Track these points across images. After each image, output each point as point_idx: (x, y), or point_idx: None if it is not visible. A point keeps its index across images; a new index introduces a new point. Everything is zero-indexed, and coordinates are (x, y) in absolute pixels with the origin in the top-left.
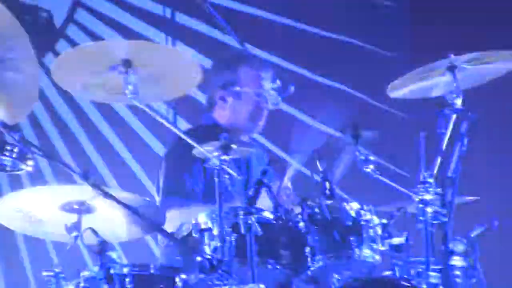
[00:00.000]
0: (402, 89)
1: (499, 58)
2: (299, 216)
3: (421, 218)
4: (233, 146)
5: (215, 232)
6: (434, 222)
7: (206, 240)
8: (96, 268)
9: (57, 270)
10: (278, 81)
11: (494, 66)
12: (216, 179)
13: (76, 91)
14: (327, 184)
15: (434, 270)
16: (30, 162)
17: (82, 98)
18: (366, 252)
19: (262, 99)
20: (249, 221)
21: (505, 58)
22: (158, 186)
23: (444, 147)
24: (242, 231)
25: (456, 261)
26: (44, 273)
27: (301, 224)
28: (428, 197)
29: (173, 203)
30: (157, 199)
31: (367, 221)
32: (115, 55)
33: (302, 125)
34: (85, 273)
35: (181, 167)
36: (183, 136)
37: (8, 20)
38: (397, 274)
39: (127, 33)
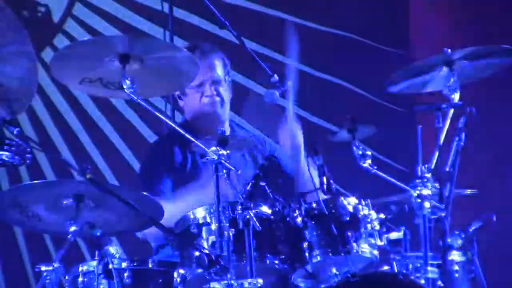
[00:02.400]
0: (400, 83)
1: (496, 53)
2: (297, 211)
3: (419, 212)
4: (230, 140)
5: (213, 227)
6: (432, 216)
7: (204, 235)
8: (94, 263)
9: (55, 264)
10: (275, 76)
11: (491, 60)
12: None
13: (74, 86)
14: (324, 179)
15: (432, 265)
16: (28, 157)
17: (80, 92)
18: (364, 247)
19: (203, 87)
20: (247, 216)
21: (502, 54)
22: None
23: (441, 141)
24: (240, 226)
25: (454, 256)
26: (43, 268)
27: (299, 219)
28: (425, 191)
29: None
30: None
31: (365, 215)
32: (113, 49)
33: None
34: (84, 268)
35: (150, 174)
36: (180, 130)
37: (6, 15)
38: (395, 269)
39: (125, 27)
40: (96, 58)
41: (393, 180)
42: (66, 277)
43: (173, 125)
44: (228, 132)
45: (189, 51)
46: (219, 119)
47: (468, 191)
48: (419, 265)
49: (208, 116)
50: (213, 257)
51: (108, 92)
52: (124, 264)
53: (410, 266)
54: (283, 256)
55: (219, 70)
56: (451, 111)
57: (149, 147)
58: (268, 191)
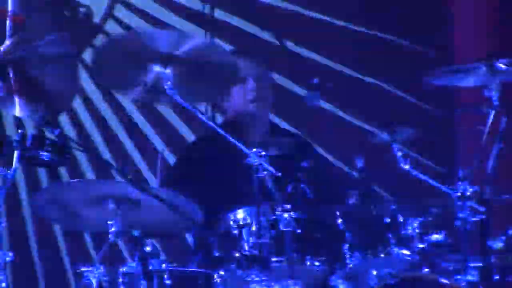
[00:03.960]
0: (440, 79)
1: None
2: (337, 213)
3: (459, 215)
4: (273, 142)
5: (254, 228)
6: (473, 219)
7: (245, 236)
8: (134, 264)
9: (95, 265)
10: (316, 79)
11: None
12: (254, 175)
13: (117, 90)
14: (366, 181)
15: (473, 268)
16: (68, 157)
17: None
18: (405, 249)
19: (245, 85)
20: (288, 218)
21: None
22: None
23: (482, 144)
24: (281, 227)
25: (495, 259)
26: (83, 268)
27: (339, 221)
28: (466, 194)
29: None
30: None
31: (405, 218)
32: (155, 48)
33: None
34: (124, 269)
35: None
36: (221, 132)
37: (48, 16)
38: (435, 271)
39: (166, 29)
40: (138, 58)
41: (433, 182)
42: (106, 278)
43: (214, 125)
44: (268, 134)
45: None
46: (261, 118)
47: (507, 197)
48: (459, 267)
49: (250, 116)
50: (253, 258)
51: (151, 98)
52: (163, 266)
53: (451, 268)
54: (323, 258)
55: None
56: (493, 113)
57: (184, 149)
58: (308, 192)
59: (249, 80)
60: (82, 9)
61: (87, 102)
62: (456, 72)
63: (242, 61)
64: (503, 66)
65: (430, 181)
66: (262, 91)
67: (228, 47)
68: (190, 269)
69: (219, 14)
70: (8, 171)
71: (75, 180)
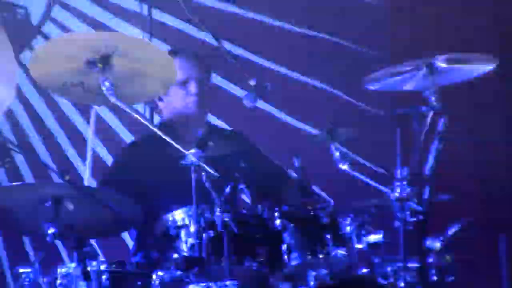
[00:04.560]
0: (379, 82)
1: (477, 60)
2: (276, 213)
3: (398, 215)
4: (210, 143)
5: (192, 229)
6: (411, 219)
7: (183, 237)
8: (73, 265)
9: (34, 266)
10: (254, 79)
11: (471, 66)
12: (193, 176)
13: (55, 91)
14: (304, 181)
15: (411, 268)
16: (7, 159)
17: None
18: (343, 249)
19: (186, 86)
20: (226, 219)
21: (483, 60)
22: None
23: (420, 144)
24: (219, 228)
25: (433, 259)
26: (21, 269)
27: (278, 221)
28: (405, 194)
29: None
30: None
31: (343, 218)
32: (93, 49)
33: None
34: (62, 270)
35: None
36: (159, 132)
37: None
38: (374, 272)
39: (105, 30)
40: (75, 59)
41: (372, 182)
42: (45, 279)
43: (152, 127)
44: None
45: (174, 53)
46: (200, 120)
47: (445, 197)
48: (398, 268)
49: (190, 117)
50: (191, 259)
51: (89, 98)
52: (102, 266)
53: (389, 269)
54: (262, 259)
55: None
56: (431, 113)
57: (121, 150)
58: (247, 193)
59: (191, 82)
60: (20, 11)
61: (25, 102)
62: (394, 75)
63: (183, 62)
64: (442, 65)
65: (369, 181)
66: (204, 94)
67: (166, 47)
68: (129, 270)
69: (156, 14)
70: None
71: (13, 184)
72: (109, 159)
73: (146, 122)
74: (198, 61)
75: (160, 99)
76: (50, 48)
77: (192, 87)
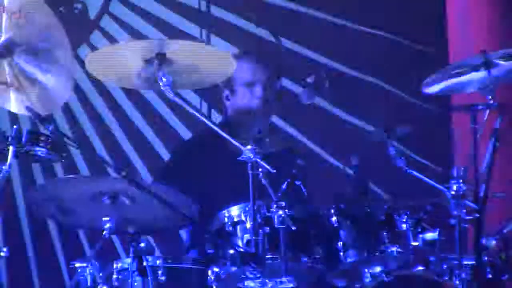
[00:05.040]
0: (436, 85)
1: None
2: (332, 211)
3: (454, 213)
4: (267, 139)
5: (248, 225)
6: (467, 217)
7: (239, 233)
8: (129, 260)
9: (90, 261)
10: (312, 76)
11: None
12: (249, 172)
13: (111, 81)
14: (360, 179)
15: (466, 266)
16: (63, 154)
17: (117, 90)
18: (399, 247)
19: (254, 87)
20: (282, 215)
21: None
22: None
23: (477, 142)
24: (275, 225)
25: (489, 257)
26: (77, 264)
27: (334, 218)
28: (461, 192)
29: None
30: None
31: (400, 216)
32: (150, 49)
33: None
34: (118, 265)
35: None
36: (215, 129)
37: (44, 11)
38: (430, 269)
39: (162, 25)
40: (133, 58)
41: (428, 180)
42: (101, 274)
43: (209, 122)
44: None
45: (243, 54)
46: (263, 123)
47: (501, 195)
48: (453, 265)
49: (253, 119)
50: (247, 255)
51: (144, 86)
52: (158, 262)
53: (445, 266)
54: (318, 256)
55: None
56: (487, 112)
57: (178, 147)
58: (303, 190)
59: (258, 85)
60: (77, 5)
61: (82, 97)
62: (451, 77)
63: (252, 63)
64: (500, 62)
65: (425, 179)
66: (269, 98)
67: (224, 44)
68: (185, 266)
69: (215, 10)
70: (3, 167)
71: (71, 176)
72: (166, 156)
73: (203, 119)
74: (267, 64)
75: (227, 98)
76: (107, 50)
77: (258, 90)
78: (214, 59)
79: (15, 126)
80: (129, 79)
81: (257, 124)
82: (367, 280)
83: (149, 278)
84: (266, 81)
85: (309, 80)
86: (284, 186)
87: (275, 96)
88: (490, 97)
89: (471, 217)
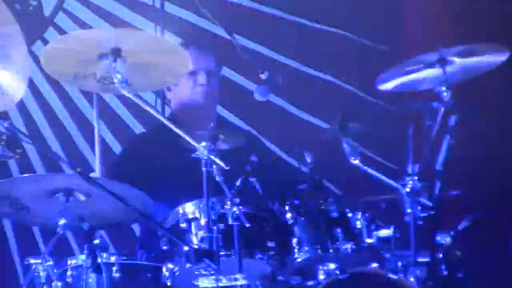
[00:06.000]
0: (391, 81)
1: (488, 51)
2: (286, 208)
3: (408, 210)
4: (221, 136)
5: (202, 222)
6: (421, 215)
7: (194, 230)
8: (83, 257)
9: (46, 258)
10: (266, 73)
11: (483, 59)
12: (204, 169)
13: (66, 80)
14: (314, 176)
15: (421, 263)
16: (18, 150)
17: (71, 87)
18: (353, 244)
19: (196, 76)
20: (236, 212)
21: (494, 51)
22: None
23: (432, 140)
24: (229, 221)
25: (443, 254)
26: (32, 261)
27: (288, 215)
28: (415, 189)
29: None
30: None
31: (354, 213)
32: (104, 43)
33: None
34: (73, 261)
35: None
36: (169, 125)
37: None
38: (384, 266)
39: (116, 22)
40: (87, 53)
41: (383, 177)
42: (55, 271)
43: (163, 119)
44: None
45: (185, 45)
46: (209, 112)
47: (455, 193)
48: (408, 263)
49: (198, 109)
50: (201, 252)
51: (101, 88)
52: (113, 258)
53: (399, 264)
54: (272, 252)
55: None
56: (442, 109)
57: (130, 140)
58: (258, 187)
59: (200, 73)
60: (32, 2)
61: (37, 94)
62: (406, 74)
63: (193, 53)
64: (454, 59)
65: (380, 176)
66: (212, 85)
67: (178, 40)
68: (139, 262)
69: (168, 7)
70: None
71: (25, 175)
72: (117, 149)
73: (157, 114)
74: (208, 53)
75: (168, 89)
76: (62, 43)
77: (201, 78)
78: (169, 55)
79: None
80: (84, 79)
81: (204, 115)
82: (321, 277)
83: (103, 274)
84: (209, 69)
85: (263, 76)
86: (238, 183)
87: (218, 84)
88: (445, 94)
89: (426, 214)
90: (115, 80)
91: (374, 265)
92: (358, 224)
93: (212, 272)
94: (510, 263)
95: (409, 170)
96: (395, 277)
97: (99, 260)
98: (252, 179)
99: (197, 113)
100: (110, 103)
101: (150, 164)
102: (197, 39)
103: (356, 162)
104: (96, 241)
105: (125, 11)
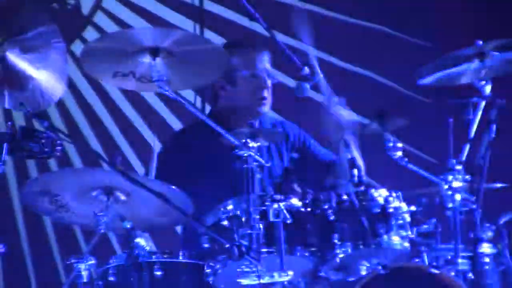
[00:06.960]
0: (431, 76)
1: None
2: (327, 204)
3: (449, 205)
4: (261, 132)
5: (243, 219)
6: (463, 209)
7: (235, 227)
8: (124, 255)
9: (89, 259)
10: (306, 69)
11: None
12: (244, 166)
13: (106, 79)
14: (355, 171)
15: (463, 258)
16: (58, 148)
17: (110, 85)
18: (395, 239)
19: (259, 80)
20: (278, 209)
21: None
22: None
23: (472, 134)
24: (271, 218)
25: (485, 248)
26: (73, 260)
27: (330, 211)
28: (456, 184)
29: None
30: None
31: (395, 208)
32: (143, 42)
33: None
34: (114, 261)
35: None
36: (210, 123)
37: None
38: (426, 261)
39: (155, 20)
40: (126, 52)
41: (424, 172)
42: (96, 270)
43: (204, 117)
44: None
45: (238, 45)
46: (257, 115)
47: (498, 185)
48: (449, 257)
49: (250, 113)
50: (243, 249)
51: (139, 86)
52: (154, 257)
53: (441, 258)
54: (314, 249)
55: (271, 64)
56: (483, 103)
57: (169, 137)
58: (299, 183)
59: (262, 75)
60: (70, 1)
61: (76, 93)
62: (445, 68)
63: (255, 54)
64: (495, 53)
65: (421, 171)
66: (270, 93)
67: (218, 38)
68: (181, 260)
69: (207, 5)
70: None
71: (65, 168)
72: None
73: (197, 112)
74: (267, 55)
75: (223, 88)
76: (101, 42)
77: (264, 81)
78: (209, 54)
79: (9, 123)
80: (123, 77)
81: (249, 115)
82: (363, 273)
83: (144, 273)
84: (269, 71)
85: (303, 73)
86: (279, 179)
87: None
88: (485, 88)
89: (467, 209)
90: (153, 79)
91: (416, 260)
92: (400, 219)
93: (254, 269)
94: None
95: (450, 165)
96: (437, 271)
97: (140, 259)
98: (293, 175)
99: (246, 114)
100: (151, 103)
101: (190, 161)
102: (254, 39)
103: (397, 157)
104: (137, 240)
105: (164, 9)
